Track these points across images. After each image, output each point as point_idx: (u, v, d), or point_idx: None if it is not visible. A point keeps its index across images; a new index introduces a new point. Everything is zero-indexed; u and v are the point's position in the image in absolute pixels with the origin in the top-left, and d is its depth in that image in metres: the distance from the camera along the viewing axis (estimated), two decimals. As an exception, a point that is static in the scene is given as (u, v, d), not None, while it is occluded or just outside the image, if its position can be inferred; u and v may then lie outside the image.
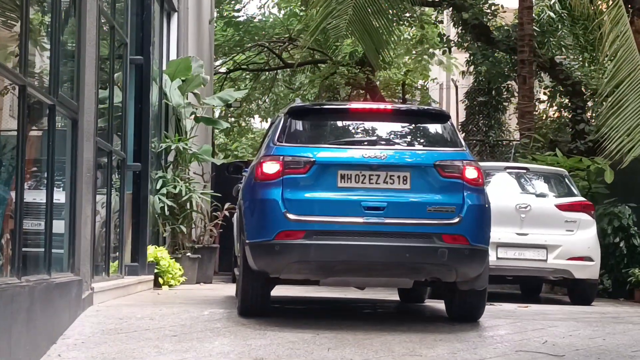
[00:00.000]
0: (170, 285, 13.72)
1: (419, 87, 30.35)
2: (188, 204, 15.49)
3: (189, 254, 15.42)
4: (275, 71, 32.78)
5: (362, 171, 8.36)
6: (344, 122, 9.07)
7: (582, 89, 19.90)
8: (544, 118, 23.85)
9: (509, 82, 25.17)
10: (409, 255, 8.26)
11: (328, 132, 9.04)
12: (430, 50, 28.32)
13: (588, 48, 21.21)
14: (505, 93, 26.44)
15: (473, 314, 9.04)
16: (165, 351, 7.14)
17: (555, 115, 21.56)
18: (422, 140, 9.04)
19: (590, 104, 20.33)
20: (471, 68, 25.55)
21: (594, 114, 19.61)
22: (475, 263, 8.44)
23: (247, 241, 8.52)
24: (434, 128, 9.06)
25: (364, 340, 7.74)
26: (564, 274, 12.62)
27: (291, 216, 8.23)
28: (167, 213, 14.92)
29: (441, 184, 8.41)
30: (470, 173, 8.47)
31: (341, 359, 7.05)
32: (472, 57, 24.29)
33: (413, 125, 9.16)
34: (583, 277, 12.62)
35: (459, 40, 23.86)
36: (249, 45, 30.58)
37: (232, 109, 32.43)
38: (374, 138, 8.86)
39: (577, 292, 13.00)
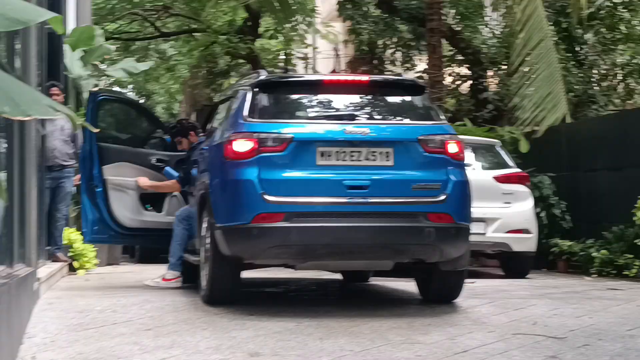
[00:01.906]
0: (85, 269, 12.94)
1: (303, 56, 29.80)
2: (95, 181, 14.61)
3: (97, 234, 14.57)
4: (148, 41, 31.75)
5: (343, 147, 7.83)
6: (318, 96, 8.49)
7: (481, 58, 19.80)
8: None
9: (391, 50, 24.90)
10: (394, 236, 7.81)
11: (302, 106, 8.47)
12: (307, 18, 27.87)
13: (485, 16, 21.15)
14: (387, 62, 26.20)
15: (451, 294, 8.68)
16: (148, 348, 6.51)
17: (453, 85, 21.43)
18: (401, 114, 8.56)
19: (490, 73, 20.27)
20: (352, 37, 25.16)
21: (498, 83, 19.57)
22: (460, 242, 8.05)
23: (217, 225, 7.90)
24: (411, 100, 8.58)
25: (351, 328, 7.29)
26: (502, 247, 12.47)
27: (269, 198, 7.64)
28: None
29: (425, 160, 7.97)
30: (453, 147, 8.07)
31: (340, 350, 6.56)
32: (353, 25, 23.90)
33: (389, 97, 8.65)
34: (521, 249, 12.49)
35: (339, 9, 23.40)
36: (123, 13, 29.47)
37: (103, 79, 31.27)
38: (352, 112, 8.28)
39: (513, 264, 12.84)
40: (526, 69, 16.32)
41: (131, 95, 38.87)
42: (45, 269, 10.37)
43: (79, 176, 11.57)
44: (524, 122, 15.83)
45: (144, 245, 15.54)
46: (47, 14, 2.59)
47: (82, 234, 12.50)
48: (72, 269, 12.82)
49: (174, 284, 9.99)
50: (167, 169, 10.78)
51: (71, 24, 15.60)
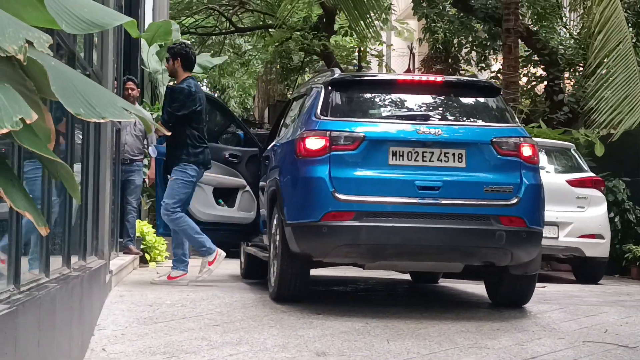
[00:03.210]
0: (156, 262, 13.08)
1: (377, 53, 29.69)
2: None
3: (169, 227, 14.68)
4: (224, 36, 31.97)
5: (415, 148, 7.79)
6: (391, 95, 8.47)
7: (558, 59, 19.54)
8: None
9: (466, 49, 24.68)
10: (465, 238, 7.75)
11: (375, 105, 8.45)
12: (383, 16, 27.77)
13: (563, 17, 20.84)
14: (462, 61, 25.97)
15: (521, 299, 8.56)
16: (216, 344, 6.56)
17: (528, 86, 21.17)
18: (475, 115, 8.48)
19: (566, 74, 19.99)
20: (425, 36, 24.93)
21: (574, 85, 19.28)
22: (531, 246, 7.95)
23: (287, 222, 7.91)
24: (486, 102, 8.49)
25: (418, 330, 7.25)
26: (575, 252, 12.29)
27: (340, 196, 7.63)
28: (147, 185, 14.18)
29: (498, 162, 7.89)
30: (527, 150, 7.98)
31: (406, 352, 6.54)
32: (428, 24, 23.72)
33: (463, 98, 8.59)
34: (594, 255, 12.30)
35: (414, 7, 23.23)
36: (200, 8, 29.73)
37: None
38: (425, 112, 8.23)
39: (585, 270, 12.66)
40: (603, 71, 16.08)
41: (205, 89, 39.14)
42: (117, 260, 10.49)
43: (152, 171, 11.66)
44: (600, 125, 15.58)
45: (214, 240, 15.58)
46: (122, 18, 2.61)
47: (153, 226, 12.63)
48: (143, 261, 12.95)
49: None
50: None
51: (148, 19, 15.74)
